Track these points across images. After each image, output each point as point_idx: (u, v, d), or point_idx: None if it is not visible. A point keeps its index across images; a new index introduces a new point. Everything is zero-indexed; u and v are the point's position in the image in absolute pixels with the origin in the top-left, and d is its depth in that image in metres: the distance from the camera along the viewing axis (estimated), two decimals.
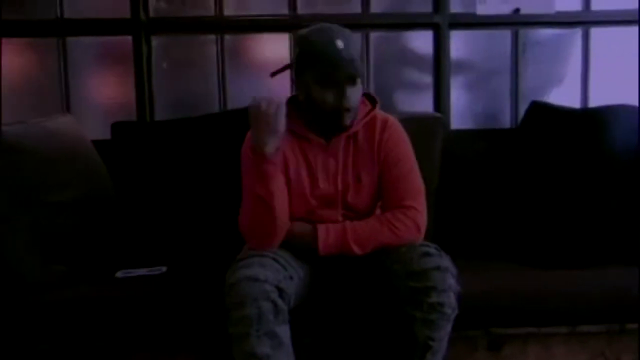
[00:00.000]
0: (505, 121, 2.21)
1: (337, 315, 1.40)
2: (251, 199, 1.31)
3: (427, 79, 2.17)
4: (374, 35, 2.16)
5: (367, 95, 1.45)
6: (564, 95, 2.16)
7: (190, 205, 1.77)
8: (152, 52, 2.10)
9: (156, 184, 1.80)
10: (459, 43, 2.15)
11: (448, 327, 1.25)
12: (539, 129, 1.84)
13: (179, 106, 2.12)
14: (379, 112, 1.43)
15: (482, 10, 2.10)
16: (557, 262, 1.60)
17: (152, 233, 1.76)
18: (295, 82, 1.38)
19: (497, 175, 1.87)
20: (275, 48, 2.15)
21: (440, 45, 2.12)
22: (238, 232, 1.59)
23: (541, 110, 1.88)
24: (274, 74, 1.41)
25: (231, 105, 2.13)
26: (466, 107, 2.22)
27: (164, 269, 1.61)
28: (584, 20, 2.16)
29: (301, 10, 2.12)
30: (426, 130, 1.84)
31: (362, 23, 2.14)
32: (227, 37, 2.13)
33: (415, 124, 1.62)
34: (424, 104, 2.18)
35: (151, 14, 2.09)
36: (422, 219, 1.38)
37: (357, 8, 2.14)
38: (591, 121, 1.75)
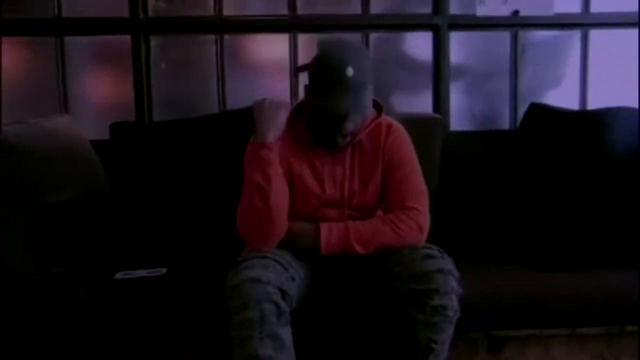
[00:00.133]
0: (504, 123, 2.22)
1: (338, 318, 1.40)
2: (248, 188, 1.33)
3: (427, 80, 2.17)
4: (373, 36, 2.16)
5: (373, 102, 1.44)
6: (563, 97, 2.16)
7: (190, 206, 1.77)
8: (151, 52, 2.09)
9: (155, 184, 1.79)
10: (458, 44, 2.16)
11: (450, 330, 1.25)
12: (539, 131, 1.84)
13: (178, 106, 2.11)
14: (384, 118, 1.44)
15: (481, 11, 2.11)
16: (556, 264, 1.61)
17: (151, 234, 1.75)
18: (306, 88, 1.38)
19: (497, 177, 1.88)
20: (274, 48, 2.14)
21: (439, 46, 2.12)
22: (238, 234, 1.59)
23: (540, 112, 1.89)
24: (298, 70, 1.51)
25: (230, 105, 2.12)
26: (465, 109, 2.22)
27: (163, 270, 1.60)
28: (583, 23, 2.17)
29: (301, 10, 2.11)
30: (426, 131, 1.84)
31: (362, 24, 2.14)
32: (226, 37, 2.12)
33: (414, 125, 1.61)
34: (423, 105, 2.18)
35: (150, 13, 2.07)
36: (425, 220, 1.38)
37: (357, 9, 2.13)
38: (591, 123, 1.76)
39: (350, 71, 1.26)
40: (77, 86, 2.12)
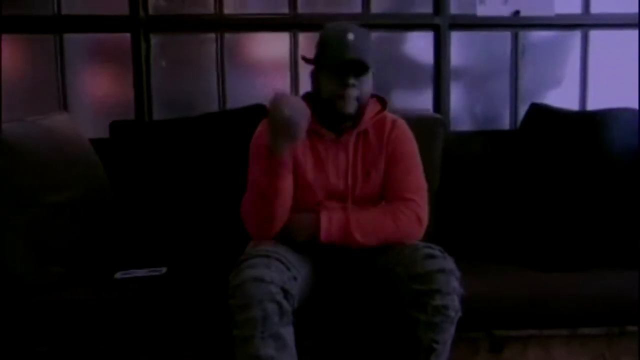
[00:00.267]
0: (504, 123, 2.22)
1: (339, 318, 1.40)
2: (255, 192, 1.33)
3: (427, 80, 2.17)
4: (374, 35, 2.12)
5: (377, 97, 1.50)
6: (562, 97, 2.17)
7: (190, 205, 1.76)
8: (151, 50, 2.08)
9: (155, 183, 1.78)
10: (458, 44, 2.16)
11: (452, 330, 1.25)
12: (539, 131, 1.84)
13: (178, 105, 2.11)
14: (388, 113, 1.48)
15: (482, 11, 2.11)
16: (557, 264, 1.61)
17: (151, 233, 1.74)
18: (311, 73, 1.44)
19: (497, 177, 1.88)
20: (275, 47, 2.13)
21: (440, 46, 2.12)
22: (238, 232, 1.59)
23: (541, 113, 1.89)
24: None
25: (230, 104, 2.11)
26: (465, 109, 2.22)
27: (163, 269, 1.59)
28: (584, 23, 2.17)
29: (301, 9, 2.11)
30: (427, 131, 1.84)
31: (363, 23, 2.08)
32: (226, 35, 2.12)
33: (415, 125, 1.61)
34: (423, 104, 2.18)
35: (150, 11, 2.07)
36: (424, 213, 1.40)
37: (357, 8, 2.14)
38: (591, 124, 1.76)
39: (351, 35, 1.33)
40: (77, 84, 2.11)
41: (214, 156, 1.79)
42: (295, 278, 1.25)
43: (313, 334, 1.36)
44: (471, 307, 1.29)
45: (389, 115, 1.48)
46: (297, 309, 1.27)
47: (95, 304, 1.40)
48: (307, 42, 2.11)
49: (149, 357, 1.41)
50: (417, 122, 1.67)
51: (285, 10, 2.11)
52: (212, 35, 2.12)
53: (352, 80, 1.34)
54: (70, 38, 2.09)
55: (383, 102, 1.49)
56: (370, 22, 2.12)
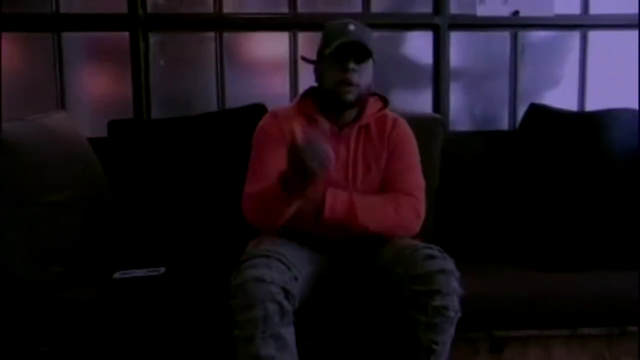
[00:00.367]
0: (503, 123, 2.22)
1: (340, 318, 1.39)
2: (260, 207, 1.33)
3: (426, 80, 2.17)
4: (374, 35, 2.15)
5: (379, 96, 1.52)
6: (561, 97, 2.17)
7: (188, 205, 1.75)
8: (150, 49, 2.08)
9: (154, 183, 1.78)
10: (457, 44, 2.15)
11: (451, 331, 1.25)
12: (539, 132, 1.84)
13: (176, 104, 2.10)
14: (389, 112, 1.50)
15: (481, 11, 2.11)
16: (557, 264, 1.61)
17: (150, 233, 1.73)
18: (315, 67, 1.47)
19: (497, 177, 1.88)
20: (274, 47, 2.12)
21: (439, 46, 2.12)
22: (237, 232, 1.58)
23: (540, 113, 1.89)
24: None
25: (229, 104, 2.11)
26: (464, 109, 2.22)
27: (162, 269, 1.59)
28: (583, 24, 2.17)
29: (301, 9, 2.11)
30: (426, 131, 1.83)
31: (362, 23, 2.12)
32: (226, 35, 2.11)
33: (415, 125, 1.61)
34: (422, 104, 2.17)
35: (149, 10, 2.06)
36: (422, 208, 1.42)
37: (357, 7, 2.13)
38: (591, 124, 1.77)
39: (352, 26, 1.39)
40: (75, 83, 2.10)
41: (213, 156, 1.78)
42: (296, 278, 1.25)
43: (314, 334, 1.36)
44: (471, 307, 1.29)
45: (390, 114, 1.51)
46: (298, 309, 1.26)
47: (94, 303, 1.40)
48: (307, 42, 2.10)
49: (149, 357, 1.40)
50: (417, 122, 1.67)
51: (284, 9, 2.10)
52: (211, 34, 2.11)
53: (352, 65, 1.37)
54: (68, 37, 2.07)
55: (384, 101, 1.52)
56: (370, 21, 2.10)
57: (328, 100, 1.43)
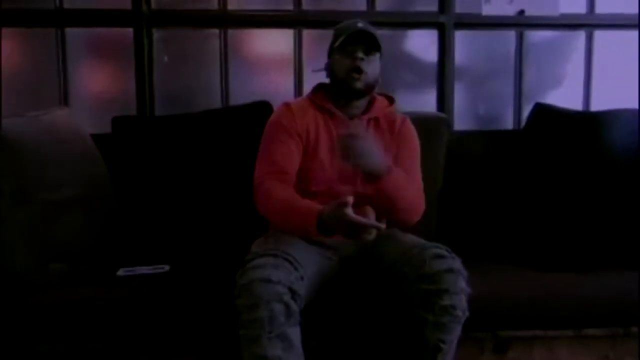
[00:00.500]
0: (508, 122, 2.22)
1: (346, 317, 1.39)
2: (282, 216, 1.38)
3: (431, 78, 2.16)
4: (378, 33, 2.14)
5: (386, 96, 1.57)
6: (566, 97, 2.16)
7: (192, 202, 1.75)
8: (154, 45, 2.06)
9: (157, 180, 1.77)
10: (462, 43, 2.15)
11: (459, 330, 1.25)
12: (544, 132, 1.83)
13: (180, 101, 2.09)
14: (398, 112, 1.56)
15: (487, 10, 2.10)
16: (562, 265, 1.61)
17: (153, 230, 1.73)
18: (327, 67, 1.52)
19: (501, 177, 1.87)
20: (279, 44, 2.11)
21: (444, 45, 2.11)
22: (242, 230, 1.58)
23: (545, 113, 1.88)
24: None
25: (233, 101, 2.10)
26: (468, 108, 2.21)
27: (166, 267, 1.58)
28: (588, 23, 2.17)
29: (306, 6, 2.10)
30: (431, 130, 1.83)
31: (367, 20, 2.11)
32: (230, 31, 2.10)
33: (420, 124, 1.61)
34: (426, 103, 2.16)
35: (153, 6, 2.05)
36: (423, 206, 1.47)
37: (362, 5, 2.12)
38: (595, 124, 1.76)
39: (360, 24, 1.46)
40: (78, 79, 2.09)
41: (217, 153, 1.77)
42: (302, 278, 1.24)
43: (320, 334, 1.35)
44: (475, 307, 1.28)
45: (399, 113, 1.56)
46: (304, 309, 1.26)
47: (96, 302, 1.39)
48: (312, 39, 2.09)
49: (151, 356, 1.39)
50: (421, 122, 1.67)
51: (289, 6, 2.09)
52: (216, 31, 2.10)
53: (361, 54, 1.42)
54: (71, 32, 2.06)
55: (391, 100, 1.57)
56: (374, 19, 2.10)
57: (339, 91, 1.48)
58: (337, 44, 1.44)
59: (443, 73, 2.13)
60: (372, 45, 1.44)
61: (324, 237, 1.32)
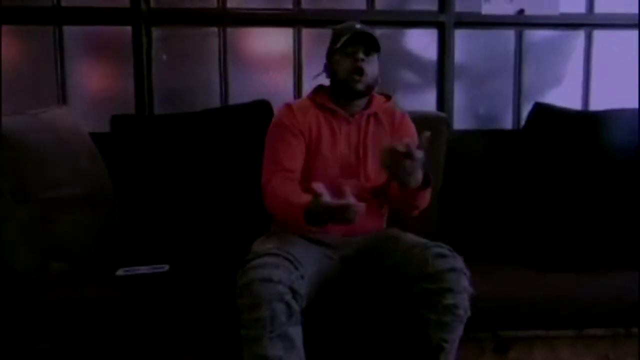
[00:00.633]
0: (507, 122, 2.22)
1: (348, 317, 1.38)
2: (282, 212, 1.38)
3: (430, 77, 2.16)
4: (378, 32, 2.11)
5: (383, 95, 1.58)
6: (565, 96, 2.17)
7: (192, 202, 1.74)
8: (152, 43, 2.05)
9: (156, 179, 1.76)
10: (461, 42, 2.14)
11: (461, 329, 1.25)
12: (543, 131, 1.83)
13: (179, 100, 2.08)
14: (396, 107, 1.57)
15: (487, 10, 2.10)
16: (563, 265, 1.61)
17: (153, 230, 1.72)
18: (325, 68, 1.53)
19: (501, 177, 1.87)
20: (278, 43, 2.11)
21: (444, 44, 2.11)
22: (242, 229, 1.57)
23: (545, 112, 1.88)
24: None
25: (232, 100, 2.09)
26: (468, 107, 2.21)
27: (166, 267, 1.57)
28: (588, 23, 2.17)
29: (305, 4, 2.09)
30: (430, 129, 1.81)
31: (367, 19, 2.08)
32: (229, 30, 2.09)
33: (419, 123, 1.61)
34: (425, 102, 2.16)
35: (152, 4, 2.04)
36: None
37: (362, 4, 2.12)
38: (595, 124, 1.76)
39: (358, 25, 1.47)
40: (76, 77, 2.08)
41: (216, 152, 1.77)
42: (302, 277, 1.24)
43: (321, 333, 1.35)
44: (477, 307, 1.28)
45: (398, 109, 1.57)
46: (305, 309, 1.25)
47: (96, 301, 1.38)
48: (311, 38, 2.09)
49: (151, 356, 1.39)
50: (421, 121, 1.66)
51: (289, 5, 2.09)
52: (215, 30, 2.09)
53: (361, 55, 1.44)
54: (69, 30, 2.05)
55: (388, 97, 1.58)
56: (374, 18, 2.12)
57: (340, 91, 1.49)
58: (338, 45, 1.45)
59: (443, 72, 2.12)
60: (371, 46, 1.46)
61: (317, 230, 1.31)
